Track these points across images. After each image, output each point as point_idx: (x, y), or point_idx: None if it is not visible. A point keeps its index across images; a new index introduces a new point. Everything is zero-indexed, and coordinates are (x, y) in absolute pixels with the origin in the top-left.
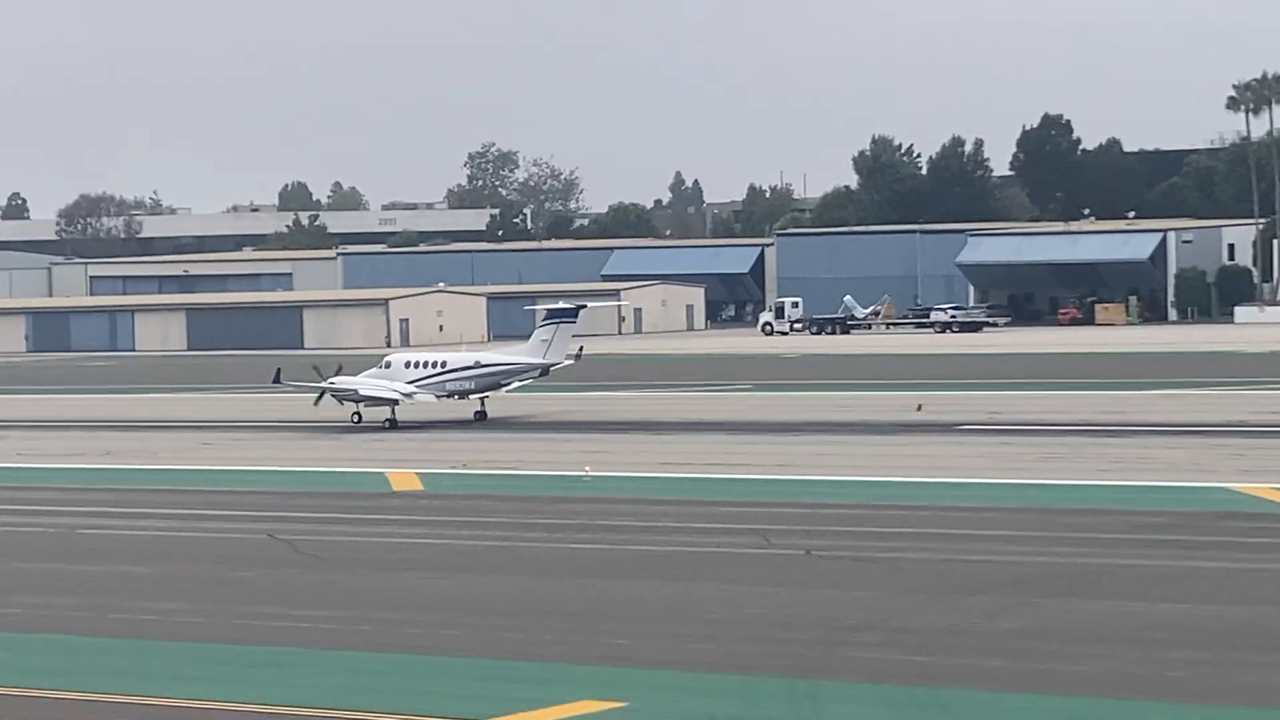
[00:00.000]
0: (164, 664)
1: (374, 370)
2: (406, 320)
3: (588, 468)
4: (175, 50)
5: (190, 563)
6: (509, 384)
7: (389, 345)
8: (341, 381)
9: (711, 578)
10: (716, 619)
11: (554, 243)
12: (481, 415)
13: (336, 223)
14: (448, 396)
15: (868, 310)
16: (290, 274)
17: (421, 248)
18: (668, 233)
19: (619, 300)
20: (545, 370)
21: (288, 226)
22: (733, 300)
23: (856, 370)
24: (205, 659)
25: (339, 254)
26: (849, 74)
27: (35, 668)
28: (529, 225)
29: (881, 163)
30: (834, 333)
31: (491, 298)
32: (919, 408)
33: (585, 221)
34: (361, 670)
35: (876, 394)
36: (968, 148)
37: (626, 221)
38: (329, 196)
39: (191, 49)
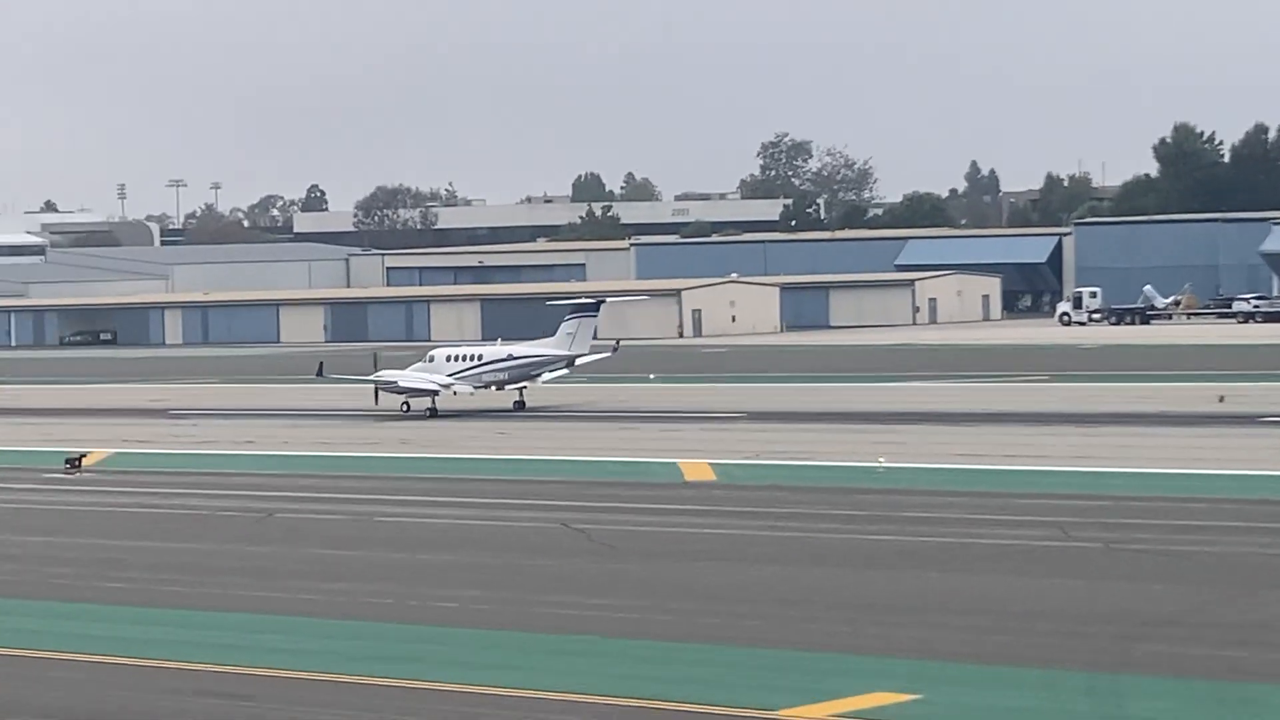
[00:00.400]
0: (459, 651)
1: (420, 364)
2: (699, 311)
3: (882, 459)
4: (471, 43)
5: (486, 551)
6: (539, 375)
7: (681, 335)
8: (386, 374)
9: (1008, 570)
10: (1013, 612)
11: (847, 233)
12: (520, 405)
13: (629, 213)
14: (484, 387)
15: (1168, 300)
16: (583, 264)
17: (714, 238)
18: (963, 222)
19: (642, 296)
20: (571, 362)
21: (581, 217)
22: (1030, 290)
23: (1156, 361)
24: (500, 646)
25: (632, 244)
26: (1149, 60)
27: (334, 651)
28: (822, 215)
29: (1183, 150)
30: (1133, 323)
31: (784, 288)
32: (1221, 399)
33: (879, 211)
34: (655, 659)
35: (1177, 385)
36: (1272, 134)
37: (921, 211)
38: (622, 187)
39: (487, 42)
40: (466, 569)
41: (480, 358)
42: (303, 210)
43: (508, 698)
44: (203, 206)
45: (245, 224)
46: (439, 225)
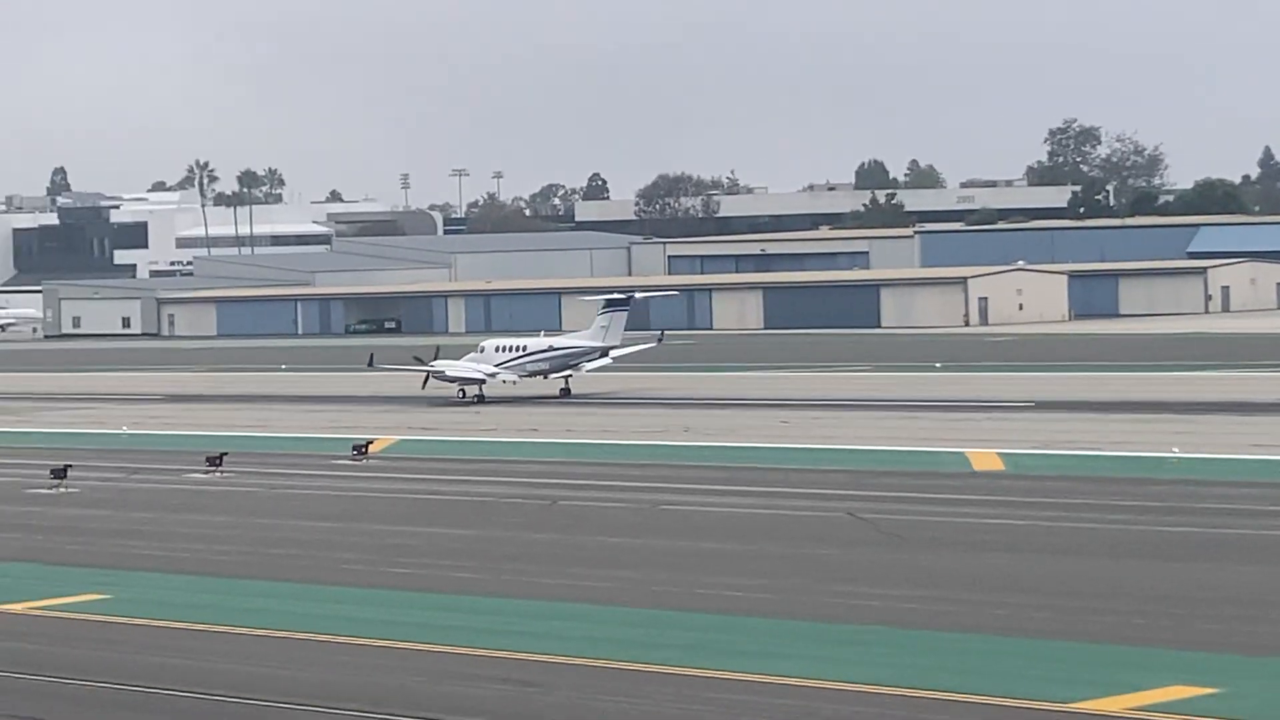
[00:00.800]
0: (744, 640)
1: (473, 354)
2: (985, 299)
3: (1176, 449)
4: (752, 30)
5: (771, 540)
6: (578, 364)
7: (966, 324)
8: (438, 364)
9: None
10: None
11: (1137, 220)
12: (565, 392)
13: (913, 201)
14: (528, 376)
15: None
16: (867, 252)
17: (1000, 225)
18: (1256, 209)
19: (672, 292)
20: (604, 352)
21: (864, 205)
22: None
23: None
24: (787, 635)
25: (916, 232)
26: None
27: (620, 639)
28: (1111, 202)
29: None
30: None
31: (1073, 276)
32: None
33: (1170, 198)
34: (944, 650)
35: None
36: None
37: (1213, 197)
38: (906, 174)
39: (768, 29)
40: (752, 558)
41: (525, 348)
42: (584, 199)
43: (795, 687)
44: (485, 195)
45: (527, 213)
46: (721, 213)
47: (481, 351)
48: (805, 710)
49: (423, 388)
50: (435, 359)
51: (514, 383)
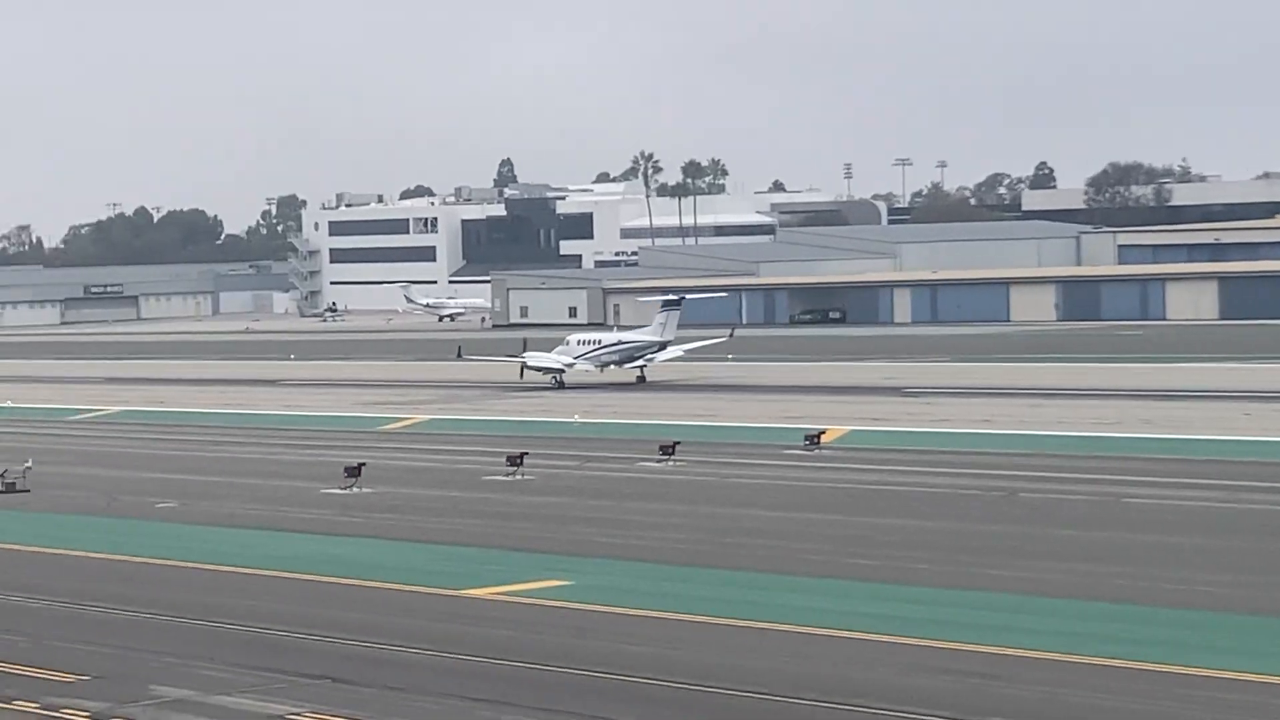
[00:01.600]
0: (1218, 635)
1: (560, 346)
2: None
3: None
4: (1207, 14)
5: (1238, 534)
6: (642, 356)
7: None
8: (526, 355)
9: None
10: None
11: None
12: (641, 379)
13: None
14: (603, 367)
15: None
16: None
17: None
18: None
19: (722, 294)
20: (663, 346)
21: None
22: None
23: None
24: (1260, 632)
25: None
26: None
27: (1082, 633)
28: None
29: None
30: None
31: None
32: None
33: None
34: None
35: None
36: None
37: None
38: None
39: (1223, 13)
40: (1220, 552)
41: (600, 342)
42: (1030, 188)
43: (1273, 685)
44: (929, 185)
45: (972, 202)
46: (1173, 202)
47: (567, 344)
48: None
49: (520, 377)
50: (525, 350)
51: (590, 370)
